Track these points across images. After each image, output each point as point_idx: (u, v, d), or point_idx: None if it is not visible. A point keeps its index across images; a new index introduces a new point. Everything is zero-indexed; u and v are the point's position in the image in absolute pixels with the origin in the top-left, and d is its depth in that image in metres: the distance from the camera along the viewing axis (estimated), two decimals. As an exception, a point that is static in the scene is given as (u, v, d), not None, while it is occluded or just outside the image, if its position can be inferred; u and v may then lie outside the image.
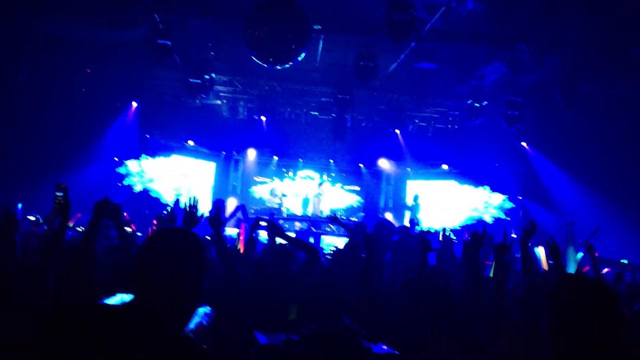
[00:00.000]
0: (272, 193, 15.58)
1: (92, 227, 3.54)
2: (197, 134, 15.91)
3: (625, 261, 8.06)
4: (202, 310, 3.48)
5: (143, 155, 14.69)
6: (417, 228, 10.28)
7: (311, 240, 12.65)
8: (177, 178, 15.35)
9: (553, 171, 14.42)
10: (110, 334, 1.61)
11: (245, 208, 11.91)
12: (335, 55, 12.23)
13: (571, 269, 5.03)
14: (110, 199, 3.70)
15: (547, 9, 9.18)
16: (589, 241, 4.84)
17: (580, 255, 6.12)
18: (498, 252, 3.93)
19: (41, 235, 6.82)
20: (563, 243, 4.97)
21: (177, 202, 13.74)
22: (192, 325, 3.39)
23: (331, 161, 17.07)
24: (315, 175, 17.06)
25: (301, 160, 16.98)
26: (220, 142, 16.52)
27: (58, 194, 3.32)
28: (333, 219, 9.36)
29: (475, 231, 4.13)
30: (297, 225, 14.31)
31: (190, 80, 12.79)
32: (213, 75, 13.44)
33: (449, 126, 15.41)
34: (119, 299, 1.78)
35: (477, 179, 15.75)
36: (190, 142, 15.81)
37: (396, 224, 11.02)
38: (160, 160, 15.06)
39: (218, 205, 4.51)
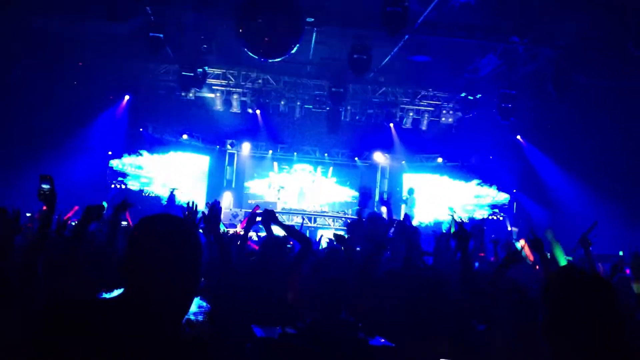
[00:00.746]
0: (269, 186, 15.56)
1: (81, 229, 3.57)
2: (190, 127, 15.85)
3: (621, 253, 8.06)
4: (198, 303, 3.47)
5: (137, 150, 14.61)
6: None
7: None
8: (171, 172, 15.29)
9: (547, 164, 14.44)
10: (105, 328, 1.57)
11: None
12: (329, 48, 12.18)
13: (562, 262, 5.02)
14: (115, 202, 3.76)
15: (541, 1, 9.17)
16: (585, 236, 4.81)
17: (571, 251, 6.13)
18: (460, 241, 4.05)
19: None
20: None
21: (171, 196, 13.75)
22: (188, 317, 3.38)
23: (326, 154, 17.05)
24: (310, 168, 17.04)
25: (296, 153, 16.95)
26: (214, 136, 16.47)
27: (44, 185, 3.24)
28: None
29: (461, 223, 4.20)
30: (295, 220, 14.32)
31: (183, 73, 12.74)
32: (206, 68, 13.37)
33: (443, 119, 15.41)
34: (113, 293, 1.74)
35: (471, 172, 15.77)
36: (184, 136, 15.75)
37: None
38: (154, 156, 14.99)
39: (214, 206, 4.45)
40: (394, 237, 6.55)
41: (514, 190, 15.36)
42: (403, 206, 15.27)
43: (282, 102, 15.23)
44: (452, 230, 5.98)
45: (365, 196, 12.69)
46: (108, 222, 4.83)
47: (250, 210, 5.78)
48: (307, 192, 16.84)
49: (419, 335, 3.05)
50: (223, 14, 9.93)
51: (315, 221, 15.45)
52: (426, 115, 15.51)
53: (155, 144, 15.25)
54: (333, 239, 6.67)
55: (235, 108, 15.12)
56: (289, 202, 16.29)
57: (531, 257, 6.70)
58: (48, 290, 3.06)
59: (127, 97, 14.42)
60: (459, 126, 15.47)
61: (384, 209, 9.03)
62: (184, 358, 1.63)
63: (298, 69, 13.96)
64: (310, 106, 15.31)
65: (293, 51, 9.34)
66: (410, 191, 15.33)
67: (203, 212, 4.57)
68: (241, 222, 10.04)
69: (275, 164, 16.96)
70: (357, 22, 10.38)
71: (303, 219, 14.59)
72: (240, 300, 3.97)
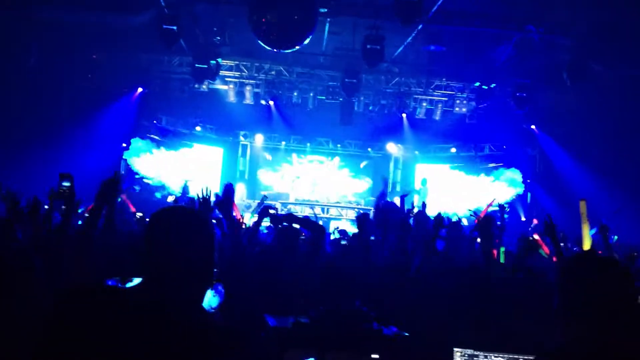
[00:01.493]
0: (282, 178, 15.59)
1: (97, 211, 3.44)
2: (204, 119, 15.92)
3: None
4: (214, 288, 3.50)
5: (150, 143, 14.66)
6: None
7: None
8: (185, 164, 15.35)
9: (562, 154, 14.28)
10: (125, 315, 1.60)
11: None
12: (342, 38, 12.14)
13: (586, 245, 4.98)
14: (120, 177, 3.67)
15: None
16: (603, 222, 4.78)
17: (593, 231, 6.08)
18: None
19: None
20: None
21: (185, 188, 13.82)
22: (207, 303, 3.41)
23: (339, 145, 17.04)
24: (323, 159, 17.05)
25: (309, 144, 16.95)
26: (227, 128, 16.52)
27: (64, 184, 3.26)
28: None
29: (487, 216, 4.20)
30: (307, 211, 14.33)
31: (197, 65, 12.77)
32: (219, 60, 13.39)
33: (457, 109, 15.30)
34: (131, 281, 1.77)
35: (485, 162, 15.67)
36: (198, 128, 15.81)
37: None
38: (169, 151, 15.06)
39: (228, 188, 4.46)
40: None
41: (528, 181, 15.22)
42: (416, 196, 15.22)
43: (295, 94, 15.22)
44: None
45: (385, 186, 12.70)
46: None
47: (259, 201, 5.80)
48: (320, 183, 16.85)
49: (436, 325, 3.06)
50: (237, 5, 9.93)
51: (328, 212, 15.46)
52: (440, 105, 15.41)
53: (169, 136, 15.33)
54: (355, 221, 6.69)
55: (249, 99, 15.14)
56: (302, 193, 16.32)
57: (546, 250, 6.68)
58: (68, 277, 3.09)
59: (140, 90, 14.48)
60: (473, 116, 15.36)
61: (397, 199, 9.00)
62: (210, 345, 1.65)
63: (311, 60, 13.93)
64: (324, 97, 15.28)
65: (306, 42, 9.31)
66: (424, 182, 15.30)
67: (217, 195, 4.58)
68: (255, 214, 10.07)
69: (294, 155, 16.98)
70: (370, 12, 10.33)
71: (314, 209, 14.60)
72: (253, 290, 3.99)
